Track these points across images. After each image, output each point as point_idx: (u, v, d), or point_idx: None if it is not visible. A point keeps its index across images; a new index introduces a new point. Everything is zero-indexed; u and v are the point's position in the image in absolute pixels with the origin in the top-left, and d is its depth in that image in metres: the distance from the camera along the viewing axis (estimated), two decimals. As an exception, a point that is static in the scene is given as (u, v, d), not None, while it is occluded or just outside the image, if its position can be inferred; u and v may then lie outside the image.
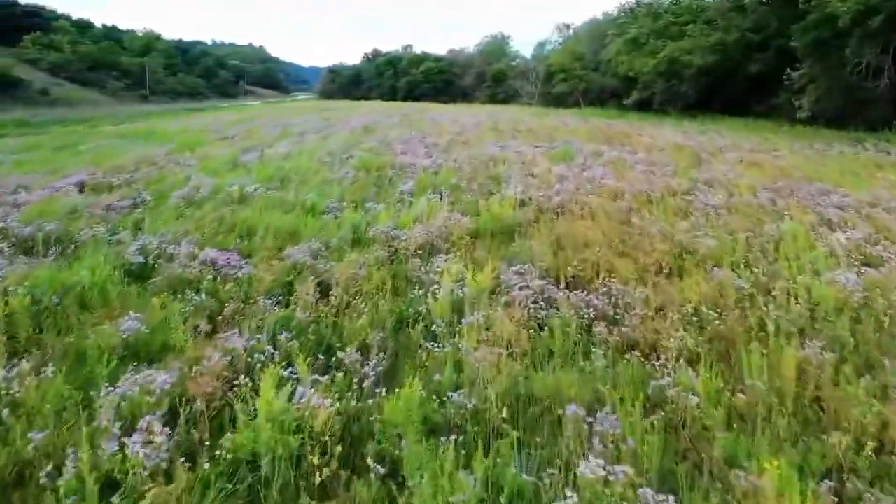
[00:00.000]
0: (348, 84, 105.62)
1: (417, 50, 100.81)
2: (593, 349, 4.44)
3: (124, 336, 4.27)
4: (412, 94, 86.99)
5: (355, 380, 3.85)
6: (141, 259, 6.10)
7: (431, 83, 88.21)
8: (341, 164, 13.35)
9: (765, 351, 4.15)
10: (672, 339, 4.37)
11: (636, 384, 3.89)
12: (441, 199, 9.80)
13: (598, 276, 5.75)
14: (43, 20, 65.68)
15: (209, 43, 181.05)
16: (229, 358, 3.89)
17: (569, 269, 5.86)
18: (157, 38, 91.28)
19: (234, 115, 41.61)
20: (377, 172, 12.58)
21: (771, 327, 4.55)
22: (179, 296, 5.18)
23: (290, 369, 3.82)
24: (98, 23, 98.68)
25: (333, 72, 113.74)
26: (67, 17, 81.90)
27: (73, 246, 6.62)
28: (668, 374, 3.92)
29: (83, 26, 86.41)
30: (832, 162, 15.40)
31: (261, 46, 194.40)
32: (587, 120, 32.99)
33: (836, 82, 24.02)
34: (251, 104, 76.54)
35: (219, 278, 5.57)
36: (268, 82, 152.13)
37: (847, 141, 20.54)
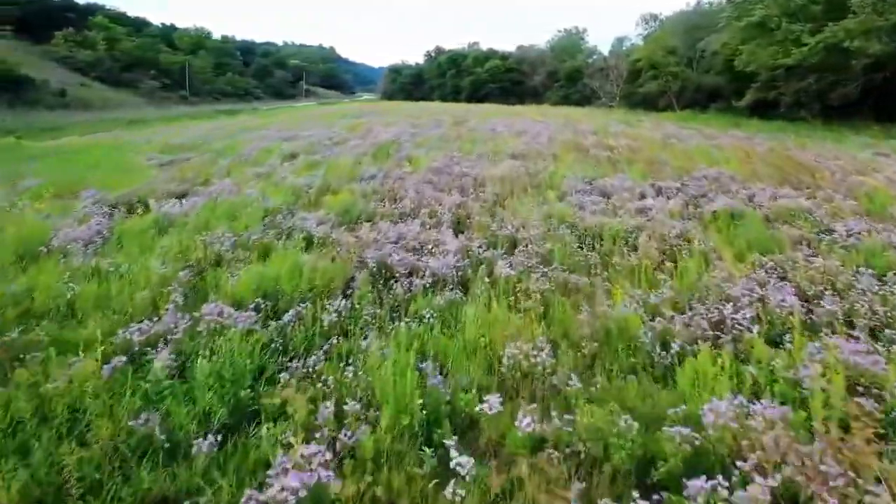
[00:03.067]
0: (410, 84, 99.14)
1: (484, 47, 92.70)
2: None
3: None
4: (476, 95, 79.25)
5: None
6: None
7: (498, 83, 79.93)
8: (232, 274, 5.60)
9: None
10: None
11: None
12: None
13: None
14: (78, 15, 61.85)
15: (280, 44, 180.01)
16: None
17: None
18: (208, 35, 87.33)
19: (257, 119, 35.14)
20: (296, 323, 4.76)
21: None
22: None
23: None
24: (157, 21, 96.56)
25: (395, 71, 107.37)
26: (121, 15, 78.91)
27: None
28: None
29: (139, 24, 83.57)
30: None
31: (331, 47, 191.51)
32: (702, 132, 24.07)
33: None
34: (301, 105, 70.90)
35: None
36: (331, 82, 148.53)
37: None
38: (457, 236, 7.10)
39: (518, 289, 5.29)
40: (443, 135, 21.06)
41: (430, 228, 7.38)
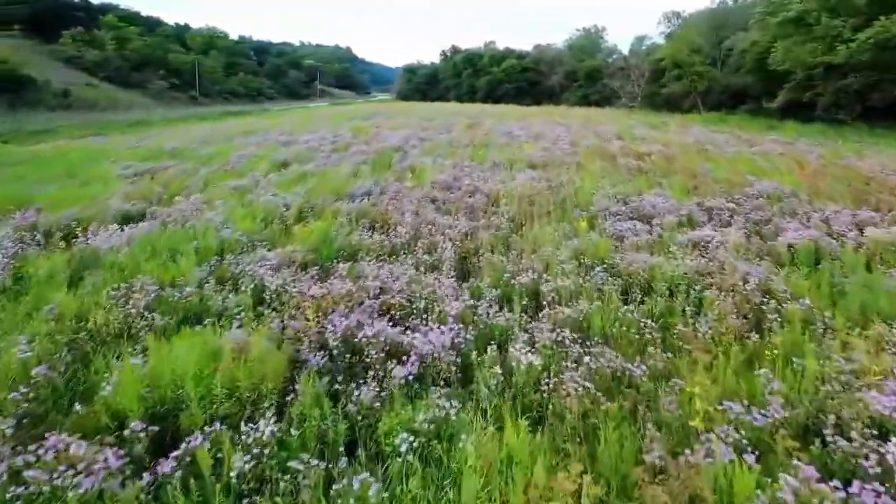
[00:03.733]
0: (425, 84, 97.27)
1: (500, 46, 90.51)
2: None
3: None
4: (492, 95, 77.28)
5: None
6: None
7: (514, 83, 77.86)
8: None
9: None
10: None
11: None
12: None
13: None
14: (90, 15, 60.55)
15: (296, 44, 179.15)
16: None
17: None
18: (221, 35, 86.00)
19: (263, 121, 33.71)
20: None
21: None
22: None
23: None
24: (172, 21, 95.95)
25: (410, 71, 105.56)
26: (135, 14, 78.06)
27: None
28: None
29: (152, 24, 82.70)
30: None
31: (347, 47, 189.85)
32: (737, 136, 22.11)
33: None
34: (314, 106, 69.48)
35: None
36: (346, 82, 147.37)
37: None
38: (461, 284, 5.39)
39: (543, 384, 3.57)
40: (454, 139, 19.34)
41: (425, 272, 5.67)
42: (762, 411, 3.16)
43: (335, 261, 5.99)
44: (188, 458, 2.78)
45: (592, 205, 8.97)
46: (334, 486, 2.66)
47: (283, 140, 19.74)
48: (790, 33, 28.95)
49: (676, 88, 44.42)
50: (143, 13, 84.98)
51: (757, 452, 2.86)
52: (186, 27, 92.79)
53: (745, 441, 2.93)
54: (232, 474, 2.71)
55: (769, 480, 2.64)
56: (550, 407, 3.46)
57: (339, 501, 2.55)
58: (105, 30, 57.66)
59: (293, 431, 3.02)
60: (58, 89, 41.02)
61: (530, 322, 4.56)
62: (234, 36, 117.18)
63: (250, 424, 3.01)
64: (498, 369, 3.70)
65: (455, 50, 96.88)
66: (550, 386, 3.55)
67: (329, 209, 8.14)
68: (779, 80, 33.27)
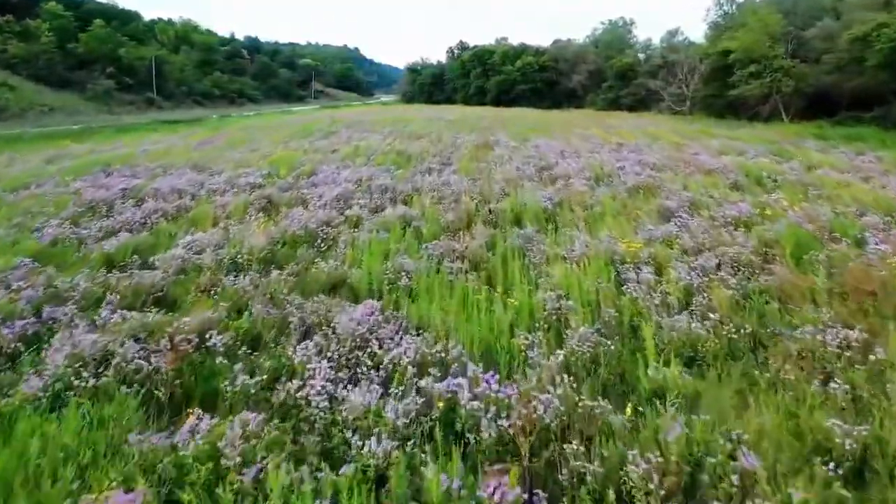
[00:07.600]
0: (430, 85, 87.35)
1: (514, 42, 79.93)
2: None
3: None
4: (505, 97, 67.23)
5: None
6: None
7: (530, 83, 67.43)
8: None
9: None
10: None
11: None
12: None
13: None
14: (29, 2, 49.55)
15: (303, 44, 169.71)
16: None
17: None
18: (197, 29, 75.50)
19: (181, 139, 23.54)
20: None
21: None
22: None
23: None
24: (152, 17, 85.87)
25: (414, 71, 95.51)
26: (109, 7, 67.73)
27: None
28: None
29: (128, 17, 72.52)
30: None
31: (355, 48, 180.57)
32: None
33: None
34: (297, 110, 59.46)
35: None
36: (348, 83, 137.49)
37: None
38: None
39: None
40: (445, 192, 9.18)
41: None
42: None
43: None
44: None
45: None
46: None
47: (115, 190, 9.75)
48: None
49: (752, 89, 33.44)
50: (133, 8, 74.75)
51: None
52: (170, 22, 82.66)
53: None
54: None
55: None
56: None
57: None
58: (44, 18, 47.23)
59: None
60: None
61: None
62: (239, 37, 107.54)
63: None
64: None
65: (463, 46, 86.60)
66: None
67: None
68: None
